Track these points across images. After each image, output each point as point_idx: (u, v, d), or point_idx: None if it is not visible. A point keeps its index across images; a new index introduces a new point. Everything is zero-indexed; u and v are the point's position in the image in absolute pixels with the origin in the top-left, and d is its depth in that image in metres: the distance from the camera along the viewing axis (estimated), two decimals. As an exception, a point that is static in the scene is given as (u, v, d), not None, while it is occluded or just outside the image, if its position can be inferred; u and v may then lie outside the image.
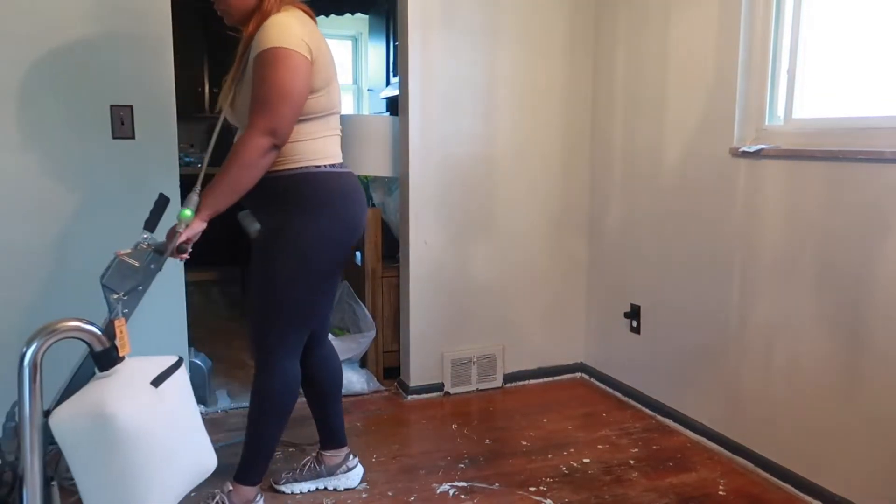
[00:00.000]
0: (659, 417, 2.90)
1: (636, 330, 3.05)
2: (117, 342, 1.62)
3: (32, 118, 2.44)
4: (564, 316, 3.38)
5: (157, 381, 1.64)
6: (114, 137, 2.55)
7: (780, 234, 2.33)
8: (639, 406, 3.02)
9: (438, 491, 2.32)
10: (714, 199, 2.58)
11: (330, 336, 3.12)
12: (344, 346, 3.14)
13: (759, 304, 2.42)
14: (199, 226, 1.84)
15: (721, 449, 2.59)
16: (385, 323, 3.28)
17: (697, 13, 2.61)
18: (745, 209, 2.46)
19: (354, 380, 3.14)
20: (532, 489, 2.33)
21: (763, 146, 2.36)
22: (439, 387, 3.17)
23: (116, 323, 1.66)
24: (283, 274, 1.97)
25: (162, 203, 1.86)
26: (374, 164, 3.23)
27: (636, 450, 2.63)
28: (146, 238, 1.80)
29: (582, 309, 3.40)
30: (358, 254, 3.41)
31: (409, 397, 3.13)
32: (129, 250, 1.74)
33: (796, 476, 2.30)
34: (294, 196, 1.97)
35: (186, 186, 2.12)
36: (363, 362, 3.30)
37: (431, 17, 2.95)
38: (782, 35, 2.38)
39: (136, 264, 1.72)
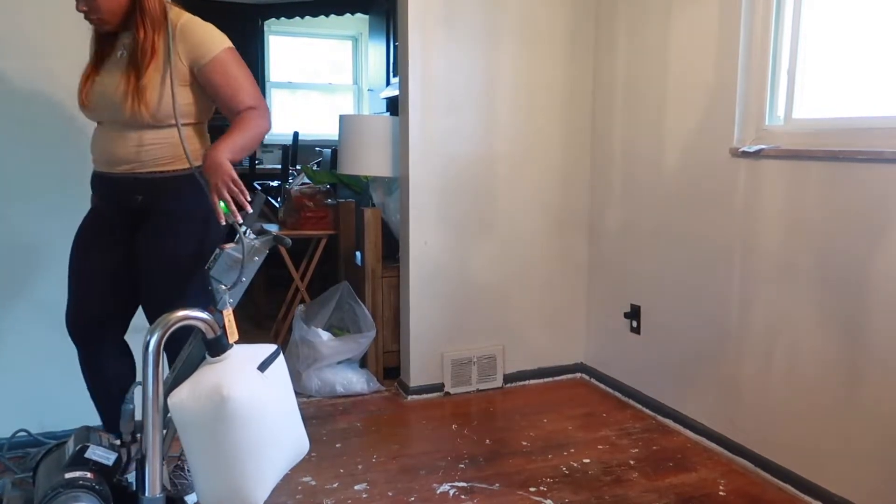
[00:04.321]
0: (659, 417, 2.90)
1: (636, 330, 3.05)
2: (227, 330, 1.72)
3: (33, 118, 2.49)
4: (564, 316, 3.38)
5: (262, 367, 1.72)
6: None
7: (780, 234, 2.33)
8: (639, 406, 3.02)
9: (438, 491, 2.32)
10: (714, 199, 2.58)
11: (330, 336, 3.14)
12: (344, 346, 3.13)
13: (760, 303, 2.42)
14: (225, 163, 1.85)
15: (721, 449, 2.59)
16: (385, 323, 3.27)
17: (697, 13, 2.61)
18: (745, 209, 2.46)
19: (354, 380, 3.14)
20: (532, 489, 2.33)
21: (763, 146, 2.36)
22: (439, 387, 3.17)
23: (224, 313, 1.74)
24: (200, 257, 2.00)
25: (258, 201, 1.93)
26: (374, 164, 3.23)
27: (636, 450, 2.63)
28: (245, 231, 1.89)
29: (582, 309, 3.40)
30: (358, 254, 3.41)
31: (409, 397, 3.12)
32: (232, 244, 1.82)
33: (796, 476, 2.30)
34: (199, 190, 2.02)
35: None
36: (363, 362, 3.29)
37: (431, 17, 2.95)
38: (782, 35, 2.38)
39: (240, 256, 1.80)
